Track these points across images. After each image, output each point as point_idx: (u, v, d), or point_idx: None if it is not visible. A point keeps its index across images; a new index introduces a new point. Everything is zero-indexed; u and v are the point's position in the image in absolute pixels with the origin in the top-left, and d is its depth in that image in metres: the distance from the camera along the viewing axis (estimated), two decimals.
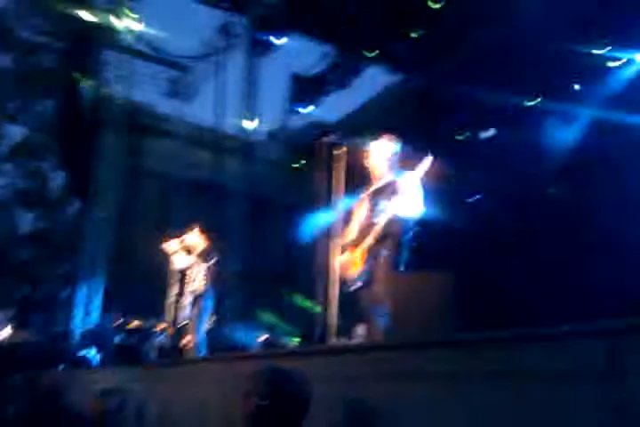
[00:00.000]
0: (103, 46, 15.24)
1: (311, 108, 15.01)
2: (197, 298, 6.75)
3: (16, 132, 21.84)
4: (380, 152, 4.44)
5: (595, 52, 8.93)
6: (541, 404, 1.96)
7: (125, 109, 15.17)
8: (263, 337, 9.66)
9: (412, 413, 2.53)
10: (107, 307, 12.59)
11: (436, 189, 4.28)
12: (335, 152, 4.81)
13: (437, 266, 3.24)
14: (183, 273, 7.11)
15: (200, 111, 18.00)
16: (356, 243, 4.31)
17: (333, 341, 4.62)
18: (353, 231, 4.45)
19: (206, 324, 6.87)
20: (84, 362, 10.42)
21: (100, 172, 14.17)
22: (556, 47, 8.79)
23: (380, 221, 4.18)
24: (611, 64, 8.97)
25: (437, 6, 10.64)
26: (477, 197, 9.84)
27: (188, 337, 6.81)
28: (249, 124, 16.13)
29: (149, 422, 4.24)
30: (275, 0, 13.97)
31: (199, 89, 18.42)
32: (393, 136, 4.51)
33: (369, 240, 4.18)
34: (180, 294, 7.36)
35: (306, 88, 14.60)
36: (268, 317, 10.59)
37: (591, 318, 1.87)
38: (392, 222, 4.14)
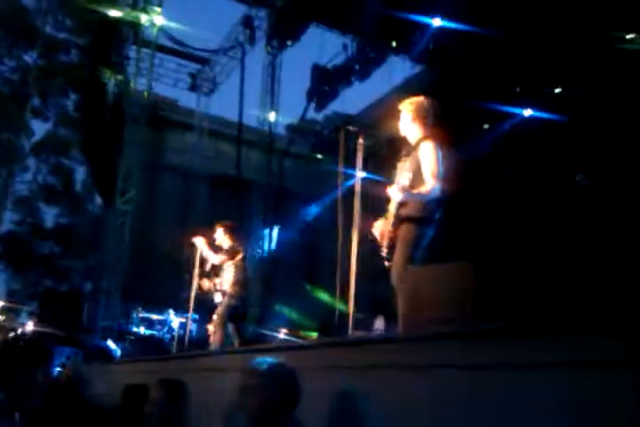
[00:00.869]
0: (126, 41, 15.28)
1: (331, 100, 14.95)
2: (225, 294, 6.76)
3: (40, 127, 22.10)
4: (405, 115, 4.25)
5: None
6: (560, 396, 1.91)
7: (148, 104, 15.20)
8: (283, 330, 9.64)
9: (429, 405, 2.49)
10: (128, 300, 12.65)
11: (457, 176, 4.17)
12: (356, 141, 4.77)
13: (458, 255, 3.16)
14: (210, 268, 7.13)
15: (222, 105, 18.03)
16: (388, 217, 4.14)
17: (352, 333, 4.56)
18: (390, 208, 4.19)
19: (231, 319, 6.88)
20: (107, 354, 10.48)
21: (123, 166, 14.22)
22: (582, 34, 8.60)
23: (398, 198, 4.00)
24: None
25: None
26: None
27: (213, 331, 6.82)
28: (270, 117, 16.09)
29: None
30: None
31: (221, 82, 18.44)
32: (423, 98, 4.32)
33: (392, 218, 4.06)
34: (202, 286, 7.38)
35: (327, 79, 14.53)
36: (287, 310, 10.57)
37: (617, 308, 1.79)
38: (410, 200, 4.00)
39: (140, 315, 11.30)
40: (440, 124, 4.21)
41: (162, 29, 14.96)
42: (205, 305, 8.58)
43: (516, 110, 10.17)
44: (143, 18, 14.30)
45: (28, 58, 21.88)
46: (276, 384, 2.59)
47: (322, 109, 15.86)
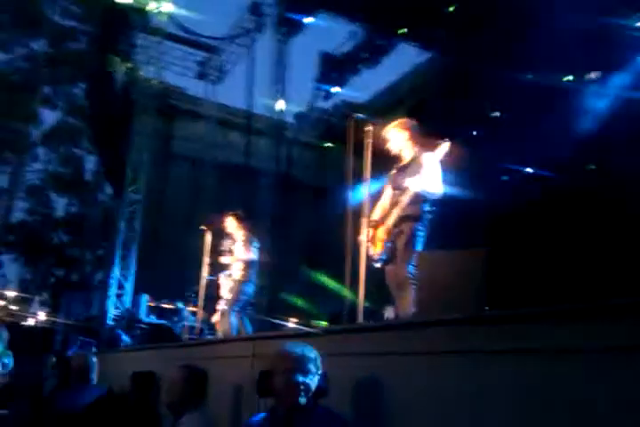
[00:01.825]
0: (134, 29, 15.21)
1: (339, 88, 14.88)
2: (236, 282, 6.77)
3: (48, 117, 22.13)
4: (399, 134, 4.57)
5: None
6: (577, 381, 1.92)
7: (156, 92, 15.16)
8: (292, 320, 9.65)
9: (438, 390, 2.51)
10: (139, 289, 12.71)
11: (466, 167, 4.24)
12: (365, 129, 4.77)
13: (472, 243, 3.22)
14: (221, 256, 7.12)
15: (230, 93, 17.95)
16: (380, 221, 4.46)
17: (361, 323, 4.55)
18: (378, 210, 4.59)
19: (241, 307, 6.89)
20: (117, 342, 10.55)
21: (132, 155, 14.22)
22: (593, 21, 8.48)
23: (403, 200, 4.30)
24: None
25: None
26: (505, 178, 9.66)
27: (221, 319, 6.84)
28: (279, 105, 16.02)
29: None
30: None
31: (229, 71, 18.36)
32: (410, 119, 4.66)
33: (391, 219, 4.34)
34: (214, 275, 7.39)
35: (335, 67, 14.45)
36: (296, 299, 10.58)
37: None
38: (413, 201, 4.26)
39: (151, 304, 11.35)
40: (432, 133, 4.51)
41: (170, 17, 14.88)
42: (211, 296, 8.61)
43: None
44: (151, 5, 14.23)
45: (37, 46, 21.87)
46: (300, 366, 2.60)
47: (330, 97, 15.79)
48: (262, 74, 16.42)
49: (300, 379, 2.56)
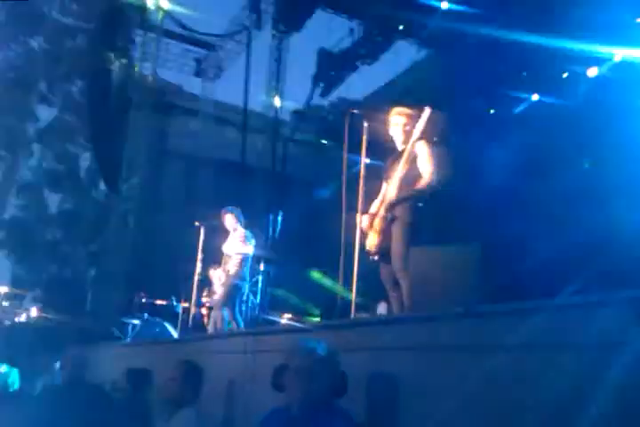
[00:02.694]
0: (132, 25, 15.15)
1: (337, 84, 14.86)
2: (229, 277, 6.80)
3: (44, 113, 22.01)
4: (396, 123, 4.50)
5: None
6: (566, 375, 1.91)
7: (153, 89, 15.11)
8: (285, 315, 9.64)
9: (433, 385, 2.50)
10: (131, 285, 12.66)
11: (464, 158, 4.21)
12: (362, 125, 4.74)
13: (465, 237, 3.18)
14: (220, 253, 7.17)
15: (227, 90, 17.92)
16: (376, 214, 4.42)
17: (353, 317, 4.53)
18: (376, 204, 4.56)
19: (237, 303, 6.92)
20: (111, 338, 10.49)
21: (128, 152, 14.17)
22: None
23: (391, 191, 4.28)
24: None
25: None
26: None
27: (216, 314, 6.85)
28: (276, 102, 15.99)
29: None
30: None
31: (226, 68, 18.31)
32: (406, 108, 4.56)
33: (382, 211, 4.31)
34: (206, 273, 7.42)
35: (332, 64, 14.41)
36: (289, 295, 10.57)
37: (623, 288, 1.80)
38: (403, 192, 4.22)
39: (144, 300, 11.28)
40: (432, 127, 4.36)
41: (168, 13, 14.83)
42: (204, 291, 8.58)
43: (523, 95, 10.11)
44: (149, 1, 14.17)
45: (34, 43, 21.76)
46: (335, 371, 2.59)
47: (327, 95, 15.75)
48: (260, 71, 16.40)
49: (310, 376, 2.52)
